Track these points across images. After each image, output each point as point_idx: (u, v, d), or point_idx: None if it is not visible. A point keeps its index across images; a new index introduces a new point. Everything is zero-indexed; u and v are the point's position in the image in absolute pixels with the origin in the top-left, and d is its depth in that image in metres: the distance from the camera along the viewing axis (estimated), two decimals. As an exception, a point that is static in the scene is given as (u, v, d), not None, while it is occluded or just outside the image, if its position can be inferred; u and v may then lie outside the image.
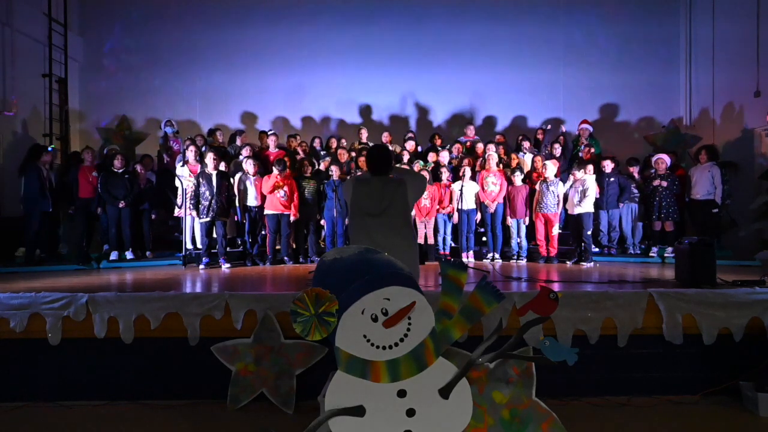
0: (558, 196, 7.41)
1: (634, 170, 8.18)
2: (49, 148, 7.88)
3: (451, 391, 2.41)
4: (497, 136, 9.21)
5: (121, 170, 7.45)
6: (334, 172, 7.60)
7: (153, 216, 8.09)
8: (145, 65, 10.48)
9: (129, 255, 7.50)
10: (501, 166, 8.02)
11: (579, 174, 7.30)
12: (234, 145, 8.84)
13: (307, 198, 7.59)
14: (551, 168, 7.47)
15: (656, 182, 7.54)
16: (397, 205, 3.41)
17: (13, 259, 7.32)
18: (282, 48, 10.46)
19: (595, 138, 8.97)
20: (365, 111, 10.75)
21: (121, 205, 7.31)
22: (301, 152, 8.51)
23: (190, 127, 10.17)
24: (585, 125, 8.94)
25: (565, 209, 7.67)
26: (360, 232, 3.43)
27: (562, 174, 7.96)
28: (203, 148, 8.29)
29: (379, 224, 3.37)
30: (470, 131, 9.37)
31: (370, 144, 9.19)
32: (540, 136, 9.20)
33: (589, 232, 7.21)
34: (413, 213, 7.17)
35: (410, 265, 2.72)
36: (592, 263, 7.05)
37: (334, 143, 9.23)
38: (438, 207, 7.65)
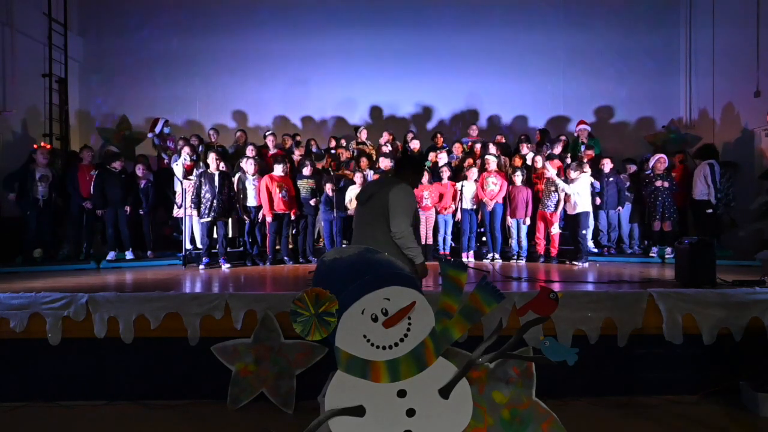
0: (558, 195, 7.41)
1: (631, 169, 8.20)
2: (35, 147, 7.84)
3: (451, 391, 2.41)
4: (498, 137, 9.19)
5: (118, 170, 7.45)
6: (329, 188, 7.58)
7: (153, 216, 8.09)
8: (145, 65, 10.46)
9: (129, 255, 7.49)
10: (501, 168, 8.02)
11: (574, 174, 7.28)
12: (234, 144, 8.84)
13: (304, 198, 7.59)
14: (551, 169, 7.46)
15: (659, 182, 7.53)
16: (376, 199, 3.52)
17: (12, 260, 7.30)
18: (283, 48, 10.45)
19: (594, 137, 8.97)
20: (365, 111, 10.75)
21: (126, 211, 7.35)
22: (297, 152, 8.49)
23: (190, 127, 10.17)
24: (583, 126, 8.93)
25: (564, 209, 7.67)
26: (354, 217, 3.79)
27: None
28: (199, 148, 8.29)
29: (361, 212, 3.64)
30: (473, 131, 9.35)
31: (369, 143, 9.21)
32: (538, 138, 9.20)
33: (584, 232, 7.17)
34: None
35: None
36: (586, 263, 7.02)
37: (333, 143, 9.22)
38: (438, 207, 7.65)
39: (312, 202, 7.56)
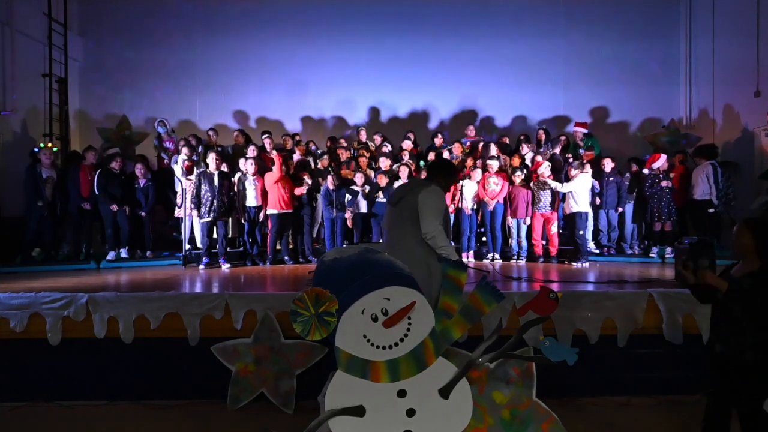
0: (554, 194, 7.40)
1: (634, 169, 8.20)
2: (35, 149, 7.84)
3: (451, 391, 2.41)
4: (503, 137, 9.18)
5: (118, 171, 7.44)
6: (330, 181, 7.59)
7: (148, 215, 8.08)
8: (145, 65, 10.45)
9: (123, 253, 7.46)
10: (502, 169, 8.01)
11: (574, 172, 7.28)
12: (233, 145, 8.82)
13: (304, 198, 7.58)
14: (546, 167, 7.47)
15: (664, 183, 7.53)
16: (407, 201, 3.48)
17: (12, 260, 7.30)
18: (282, 48, 10.44)
19: (593, 136, 8.95)
20: (364, 112, 10.74)
21: (118, 209, 7.30)
22: (298, 152, 8.48)
23: (189, 127, 10.16)
24: (577, 128, 8.91)
25: (563, 209, 7.66)
26: (385, 218, 3.73)
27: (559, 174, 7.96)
28: (198, 148, 8.28)
29: (392, 214, 3.60)
30: (471, 131, 9.34)
31: (369, 143, 9.20)
32: (541, 137, 9.18)
33: (581, 232, 7.16)
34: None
35: (406, 261, 2.74)
36: (586, 263, 7.01)
37: (329, 144, 9.20)
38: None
39: (317, 176, 7.64)
